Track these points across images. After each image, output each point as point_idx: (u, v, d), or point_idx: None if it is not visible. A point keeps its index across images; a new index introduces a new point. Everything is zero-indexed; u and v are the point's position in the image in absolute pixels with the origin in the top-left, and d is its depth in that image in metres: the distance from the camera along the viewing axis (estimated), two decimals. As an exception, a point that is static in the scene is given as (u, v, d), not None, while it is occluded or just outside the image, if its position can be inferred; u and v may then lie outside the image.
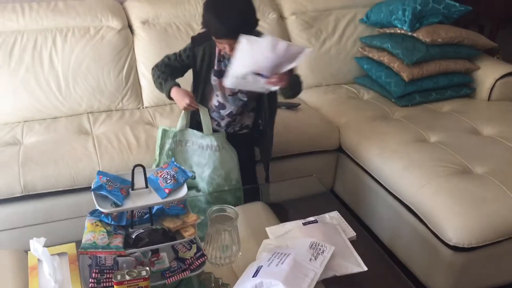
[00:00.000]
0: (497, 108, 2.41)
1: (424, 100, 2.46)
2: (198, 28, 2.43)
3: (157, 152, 1.77)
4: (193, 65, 1.76)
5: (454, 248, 1.69)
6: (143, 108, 2.39)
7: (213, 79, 1.76)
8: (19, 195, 1.82)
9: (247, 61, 1.50)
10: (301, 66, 2.62)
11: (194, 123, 1.81)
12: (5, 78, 2.13)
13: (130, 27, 2.40)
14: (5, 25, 2.18)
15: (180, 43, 2.36)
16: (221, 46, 1.66)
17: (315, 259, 1.34)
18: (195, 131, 1.75)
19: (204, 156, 1.74)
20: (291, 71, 1.59)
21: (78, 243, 1.32)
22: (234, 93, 1.77)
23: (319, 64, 2.68)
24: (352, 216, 1.72)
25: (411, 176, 1.88)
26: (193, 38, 1.78)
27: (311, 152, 2.27)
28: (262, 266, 1.32)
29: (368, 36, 2.70)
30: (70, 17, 2.27)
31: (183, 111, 1.71)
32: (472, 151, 2.00)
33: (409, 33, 2.52)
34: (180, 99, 1.67)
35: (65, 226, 1.63)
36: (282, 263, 1.31)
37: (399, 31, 2.59)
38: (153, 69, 1.79)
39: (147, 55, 2.35)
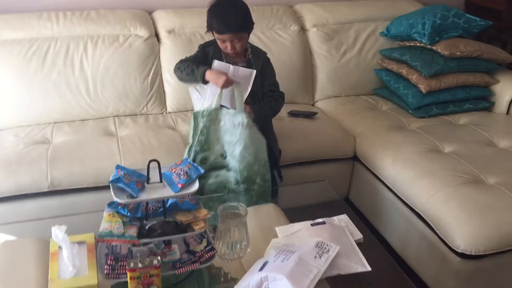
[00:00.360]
0: (515, 122, 2.42)
1: (441, 112, 2.48)
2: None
3: (191, 134, 1.87)
4: (206, 62, 1.91)
5: (462, 256, 1.71)
6: (166, 113, 2.50)
7: None
8: (46, 190, 1.93)
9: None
10: (321, 77, 2.73)
11: None
12: (39, 81, 2.26)
13: (156, 35, 2.52)
14: (40, 32, 2.32)
15: (204, 52, 2.48)
16: (223, 45, 1.88)
17: (320, 257, 1.39)
18: (227, 110, 1.85)
19: (236, 134, 1.82)
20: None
21: (97, 233, 1.41)
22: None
23: (339, 75, 2.74)
24: (365, 223, 1.76)
25: (422, 184, 1.92)
26: (201, 44, 2.03)
27: (327, 160, 2.33)
28: (268, 261, 1.38)
29: (388, 49, 2.75)
30: (101, 25, 2.40)
31: (219, 90, 1.81)
32: (486, 162, 2.02)
33: (428, 46, 2.56)
34: (217, 77, 1.79)
35: (86, 220, 1.72)
36: (287, 260, 1.36)
37: (418, 44, 2.63)
38: (177, 64, 1.93)
39: (172, 63, 2.43)
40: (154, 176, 1.36)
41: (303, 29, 2.76)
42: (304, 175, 2.24)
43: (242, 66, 1.92)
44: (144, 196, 1.32)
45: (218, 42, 1.89)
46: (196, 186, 1.36)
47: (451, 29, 2.60)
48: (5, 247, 1.52)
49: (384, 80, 2.70)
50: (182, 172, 1.38)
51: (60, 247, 1.37)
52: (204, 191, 1.86)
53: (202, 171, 1.41)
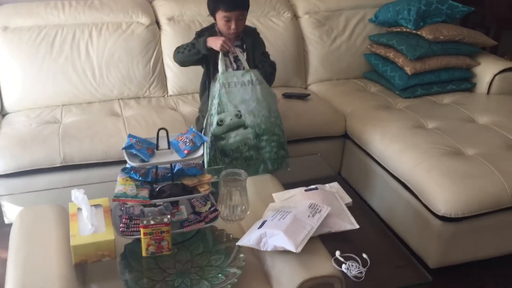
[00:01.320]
0: (495, 101, 2.58)
1: (426, 93, 2.65)
2: (218, 25, 2.69)
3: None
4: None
5: (443, 219, 1.88)
6: (167, 96, 2.64)
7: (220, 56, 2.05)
8: (59, 165, 2.07)
9: None
10: (313, 62, 2.88)
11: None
12: (47, 66, 2.40)
13: (157, 23, 2.66)
14: (48, 20, 2.45)
15: (202, 38, 2.62)
16: (227, 25, 2.02)
17: (313, 216, 1.55)
18: (235, 72, 2.04)
19: (248, 92, 2.01)
20: None
21: (111, 198, 1.56)
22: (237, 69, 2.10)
23: (330, 59, 2.89)
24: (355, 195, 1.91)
25: (407, 156, 2.08)
26: (197, 32, 2.16)
27: (319, 138, 2.48)
28: (266, 220, 1.53)
29: (376, 34, 2.91)
30: (105, 13, 2.54)
31: (220, 55, 2.00)
32: (466, 136, 2.18)
33: (414, 31, 2.71)
34: (215, 41, 1.98)
35: (96, 191, 1.86)
36: (284, 218, 1.52)
37: (404, 30, 2.78)
38: (176, 50, 2.11)
39: (172, 48, 2.54)
40: (163, 143, 1.51)
41: (295, 16, 2.90)
42: (298, 152, 2.39)
43: (237, 46, 2.09)
44: (154, 161, 1.47)
45: (221, 23, 2.03)
46: (200, 151, 1.51)
47: (435, 15, 2.75)
48: (26, 212, 1.66)
49: (372, 64, 2.86)
50: (187, 140, 1.52)
51: (78, 209, 1.52)
52: (226, 151, 2.02)
53: (206, 139, 1.56)
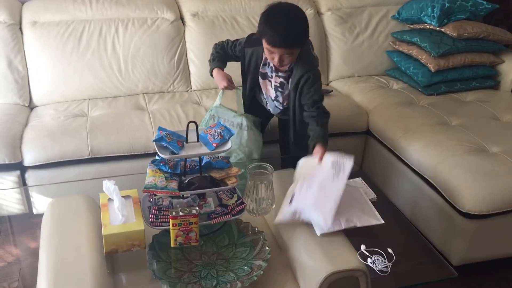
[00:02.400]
0: (519, 99, 2.57)
1: (449, 90, 2.64)
2: (242, 21, 2.72)
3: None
4: (241, 61, 1.99)
5: (467, 216, 1.88)
6: (191, 91, 2.67)
7: (259, 78, 1.99)
8: (87, 157, 2.12)
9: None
10: (335, 58, 2.88)
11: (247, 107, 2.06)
12: (74, 60, 2.45)
13: (182, 19, 2.69)
14: (75, 15, 2.50)
15: (226, 34, 2.64)
16: (270, 56, 1.79)
17: (337, 176, 1.59)
18: (230, 110, 1.99)
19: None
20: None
21: (139, 189, 1.59)
22: (271, 99, 2.03)
23: (352, 56, 2.89)
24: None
25: (431, 153, 2.08)
26: (249, 37, 1.94)
27: (341, 134, 2.49)
28: (295, 193, 1.58)
29: (399, 31, 2.90)
30: (131, 9, 2.58)
31: (220, 89, 1.97)
32: (490, 134, 2.17)
33: (437, 28, 2.70)
34: (219, 80, 1.93)
35: (125, 183, 1.90)
36: (310, 187, 1.57)
37: (428, 27, 2.77)
38: (214, 45, 2.04)
39: (196, 44, 2.64)
40: (192, 137, 1.54)
41: (318, 13, 2.91)
42: (320, 148, 2.40)
43: (282, 77, 1.91)
44: (183, 153, 1.50)
45: (266, 51, 1.80)
46: (229, 145, 1.53)
47: (459, 12, 2.73)
48: (56, 203, 1.70)
49: (395, 61, 2.85)
50: (216, 133, 1.55)
51: (109, 200, 1.55)
52: None
53: (234, 132, 1.58)
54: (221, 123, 1.61)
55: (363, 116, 2.51)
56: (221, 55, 2.00)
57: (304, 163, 1.75)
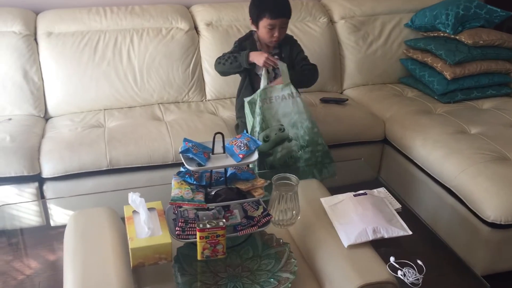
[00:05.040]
0: (536, 106, 2.55)
1: (465, 98, 2.63)
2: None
3: (248, 122, 2.06)
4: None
5: (492, 225, 1.86)
6: (206, 100, 2.66)
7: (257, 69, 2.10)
8: (105, 168, 2.10)
9: None
10: (349, 67, 2.88)
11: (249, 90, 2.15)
12: (90, 71, 2.44)
13: (196, 28, 2.69)
14: (90, 25, 2.50)
15: (240, 43, 2.64)
16: (270, 33, 2.05)
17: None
18: (275, 86, 2.04)
19: (289, 105, 2.02)
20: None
21: (163, 201, 1.58)
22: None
23: (366, 65, 2.89)
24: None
25: (452, 162, 2.06)
26: (237, 40, 2.19)
27: (358, 143, 2.47)
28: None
29: (413, 39, 2.89)
30: (145, 19, 2.58)
31: (263, 71, 2.02)
32: (510, 142, 2.16)
33: (452, 36, 2.69)
34: (258, 56, 2.00)
35: (145, 194, 1.89)
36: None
37: (442, 34, 2.77)
38: (217, 60, 2.14)
39: (210, 53, 2.63)
40: (218, 148, 1.52)
41: (331, 21, 2.91)
42: (336, 157, 2.38)
43: (275, 54, 2.13)
44: (210, 165, 1.48)
45: (264, 30, 2.06)
46: (255, 156, 1.52)
47: (474, 20, 2.73)
48: (79, 215, 1.68)
49: (409, 69, 2.85)
50: (242, 144, 1.53)
51: (134, 212, 1.54)
52: (275, 167, 2.04)
53: (260, 143, 1.56)
54: (247, 133, 1.59)
55: (380, 125, 2.50)
56: (235, 52, 2.12)
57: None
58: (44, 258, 1.86)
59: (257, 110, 1.99)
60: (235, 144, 1.54)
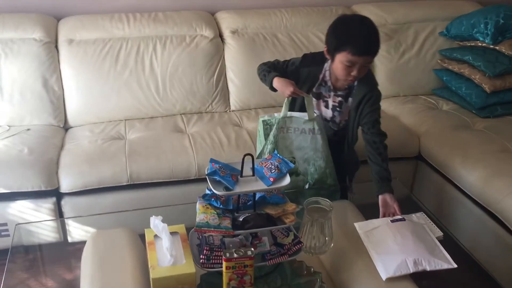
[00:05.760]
0: None
1: (506, 112, 2.48)
2: (283, 39, 2.60)
3: (259, 143, 1.88)
4: (295, 82, 1.82)
5: (541, 255, 1.71)
6: (230, 111, 2.56)
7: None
8: (125, 183, 2.01)
9: None
10: (380, 77, 2.74)
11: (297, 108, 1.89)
12: (111, 79, 2.36)
13: (220, 36, 2.58)
14: (112, 33, 2.41)
15: (267, 52, 2.54)
16: (347, 71, 1.67)
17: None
18: (298, 117, 1.81)
19: (306, 140, 1.82)
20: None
21: (186, 222, 1.48)
22: (326, 120, 1.89)
23: (398, 75, 2.75)
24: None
25: (496, 184, 1.92)
26: (304, 57, 1.85)
27: (390, 159, 2.33)
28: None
29: (448, 49, 2.75)
30: (169, 26, 2.48)
31: (286, 99, 1.78)
32: (558, 163, 2.00)
33: (491, 46, 2.54)
34: (284, 87, 1.74)
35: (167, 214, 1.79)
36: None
37: (480, 44, 2.61)
38: (260, 65, 1.89)
39: (235, 62, 2.53)
40: (246, 170, 1.41)
41: (362, 29, 2.78)
42: (367, 175, 2.25)
43: (340, 96, 1.83)
44: (238, 189, 1.37)
45: (340, 66, 1.68)
46: (287, 180, 1.40)
47: (515, 29, 2.58)
48: (98, 236, 1.59)
49: (444, 80, 2.70)
50: (273, 167, 1.42)
51: (155, 236, 1.44)
52: None
53: (292, 165, 1.44)
54: (278, 155, 1.47)
55: (414, 140, 2.36)
56: (274, 69, 1.86)
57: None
58: (61, 277, 1.79)
59: (271, 138, 1.82)
60: (265, 166, 1.43)
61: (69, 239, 1.94)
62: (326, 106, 1.87)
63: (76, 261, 1.88)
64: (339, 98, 1.83)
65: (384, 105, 2.68)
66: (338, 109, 1.85)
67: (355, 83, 1.78)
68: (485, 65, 2.46)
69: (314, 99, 1.87)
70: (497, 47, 2.52)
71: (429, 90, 2.80)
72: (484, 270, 1.60)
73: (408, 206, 1.92)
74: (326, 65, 1.80)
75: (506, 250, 1.84)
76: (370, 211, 1.78)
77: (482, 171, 1.99)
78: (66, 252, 1.98)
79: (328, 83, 1.81)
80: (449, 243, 1.65)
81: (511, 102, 2.49)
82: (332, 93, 1.83)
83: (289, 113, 1.84)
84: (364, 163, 2.22)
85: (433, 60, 2.79)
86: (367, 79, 1.78)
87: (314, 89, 1.84)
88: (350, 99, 1.82)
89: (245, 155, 1.39)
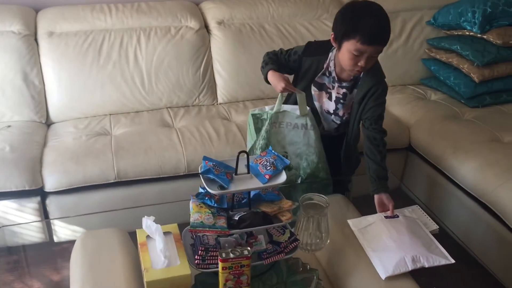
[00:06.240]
0: None
1: (494, 102, 2.47)
2: (270, 29, 2.55)
3: (250, 137, 1.83)
4: (296, 71, 1.80)
5: (534, 245, 1.72)
6: (217, 104, 2.50)
7: (313, 89, 1.79)
8: (113, 181, 1.95)
9: None
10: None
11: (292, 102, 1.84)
12: (95, 73, 2.28)
13: (206, 27, 2.52)
14: (94, 24, 2.33)
15: (254, 43, 2.49)
16: (355, 60, 1.59)
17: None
18: (291, 113, 1.75)
19: (299, 135, 1.76)
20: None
21: (182, 224, 1.43)
22: (329, 113, 1.82)
23: (386, 65, 2.63)
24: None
25: (488, 174, 1.91)
26: (309, 45, 1.77)
27: (380, 150, 2.32)
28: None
29: (436, 38, 2.73)
30: (153, 17, 2.41)
31: (279, 94, 1.72)
32: (548, 152, 2.01)
33: (479, 35, 2.53)
34: (276, 82, 1.67)
35: (152, 211, 1.74)
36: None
37: (467, 33, 2.60)
38: (266, 53, 1.80)
39: (222, 54, 2.47)
40: (241, 167, 1.37)
41: (349, 19, 2.74)
42: (361, 168, 2.23)
43: (345, 87, 1.75)
44: (234, 187, 1.33)
45: (347, 55, 1.59)
46: (283, 177, 1.37)
47: (502, 18, 2.56)
48: (86, 238, 1.54)
49: (432, 70, 2.69)
50: (268, 163, 1.38)
51: (147, 237, 1.39)
52: None
53: (288, 162, 1.41)
54: (272, 151, 1.43)
55: (404, 131, 2.34)
56: (274, 60, 1.77)
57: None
58: (47, 277, 1.73)
59: (263, 133, 1.76)
60: (260, 163, 1.39)
61: (56, 239, 1.88)
62: (329, 98, 1.79)
63: (63, 261, 1.83)
64: (344, 90, 1.75)
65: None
66: (341, 101, 1.77)
67: (361, 74, 1.70)
68: (473, 54, 2.45)
69: (316, 90, 1.79)
70: (484, 36, 2.51)
71: (417, 80, 2.79)
72: (479, 262, 1.60)
73: (400, 198, 1.91)
74: (331, 55, 1.72)
75: (499, 240, 1.84)
76: (365, 205, 1.76)
77: (473, 162, 1.98)
78: (52, 253, 1.92)
79: (333, 73, 1.73)
80: (443, 236, 1.64)
81: (499, 91, 2.49)
82: (336, 84, 1.74)
83: (282, 107, 1.79)
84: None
85: (421, 50, 2.77)
86: (375, 71, 1.70)
87: (316, 78, 1.76)
88: (355, 91, 1.74)
89: (240, 153, 1.35)
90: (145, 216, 1.36)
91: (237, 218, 1.35)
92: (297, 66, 1.77)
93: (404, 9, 2.79)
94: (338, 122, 1.82)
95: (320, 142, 1.79)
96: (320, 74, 1.75)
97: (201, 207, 1.38)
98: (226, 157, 1.96)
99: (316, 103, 1.81)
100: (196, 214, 1.35)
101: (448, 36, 2.72)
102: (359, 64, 1.59)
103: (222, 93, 2.50)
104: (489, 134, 2.16)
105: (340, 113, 1.79)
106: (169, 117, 2.32)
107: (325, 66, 1.73)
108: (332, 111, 1.81)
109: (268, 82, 1.74)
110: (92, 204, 1.95)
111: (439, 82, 2.65)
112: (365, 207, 1.72)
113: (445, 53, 2.64)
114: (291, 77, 1.81)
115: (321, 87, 1.78)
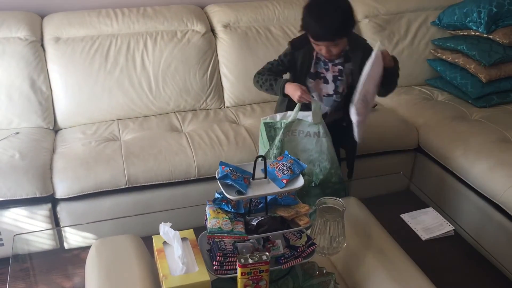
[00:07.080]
0: None
1: (502, 101, 2.47)
2: (276, 32, 2.55)
3: (262, 144, 1.84)
4: (293, 69, 1.85)
5: (548, 246, 1.71)
6: (224, 107, 2.50)
7: (309, 81, 1.85)
8: (123, 187, 1.94)
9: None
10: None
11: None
12: (102, 78, 2.27)
13: (212, 30, 2.51)
14: (101, 29, 2.32)
15: (260, 45, 2.48)
16: (318, 48, 1.76)
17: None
18: (303, 121, 1.79)
19: (311, 143, 1.81)
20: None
21: (196, 229, 1.43)
22: (329, 95, 1.87)
23: (392, 66, 2.72)
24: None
25: (499, 175, 1.91)
26: (292, 42, 1.86)
27: (389, 152, 2.32)
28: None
29: (441, 38, 2.73)
30: (159, 21, 2.40)
31: (297, 104, 1.76)
32: (559, 151, 2.01)
33: (485, 35, 2.53)
34: (292, 91, 1.73)
35: (164, 217, 1.74)
36: None
37: (473, 33, 2.60)
38: (255, 76, 1.86)
39: (229, 57, 2.46)
40: (258, 172, 1.36)
41: (355, 21, 2.74)
42: (365, 168, 2.23)
43: (339, 64, 1.83)
44: (251, 192, 1.32)
45: (313, 44, 1.76)
46: (301, 181, 1.36)
47: (507, 17, 2.56)
48: (101, 245, 1.53)
49: (438, 70, 2.68)
50: (285, 168, 1.37)
51: (164, 243, 1.38)
52: None
53: (305, 166, 1.40)
54: (289, 155, 1.43)
55: (413, 132, 2.34)
56: (274, 75, 1.82)
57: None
58: (60, 285, 1.72)
59: (277, 142, 1.79)
60: (277, 167, 1.39)
61: (66, 246, 1.87)
62: (326, 82, 1.86)
63: (74, 268, 1.82)
64: (338, 67, 1.84)
65: (380, 97, 2.66)
66: (339, 78, 1.85)
67: (347, 48, 1.80)
68: (480, 54, 2.45)
69: (311, 81, 1.86)
70: (491, 36, 2.51)
71: (422, 80, 2.79)
72: (491, 262, 1.59)
73: (411, 200, 1.91)
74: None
75: (511, 240, 1.84)
76: (372, 205, 1.75)
77: (484, 162, 1.98)
78: (64, 260, 1.91)
79: (322, 58, 1.83)
80: (457, 236, 1.64)
81: (507, 91, 2.49)
82: (330, 65, 1.83)
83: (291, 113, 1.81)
84: (360, 158, 2.21)
85: (426, 50, 2.77)
86: (355, 42, 1.82)
87: (311, 70, 1.84)
88: (347, 65, 1.84)
89: (257, 158, 1.34)
90: (162, 223, 1.35)
91: (255, 223, 1.34)
92: (293, 63, 1.85)
93: (409, 10, 2.79)
94: (339, 100, 1.89)
95: (332, 149, 1.82)
96: (313, 64, 1.84)
97: (218, 212, 1.37)
98: (236, 160, 1.98)
99: (314, 94, 1.87)
100: (213, 219, 1.34)
101: (454, 36, 2.72)
102: (322, 52, 1.75)
103: (229, 97, 2.50)
104: (498, 134, 2.16)
105: (340, 89, 1.87)
106: (177, 121, 2.31)
107: (314, 54, 1.83)
108: (332, 91, 1.87)
109: (284, 96, 1.78)
110: (103, 210, 1.94)
111: (445, 83, 2.65)
112: (371, 207, 1.72)
113: (451, 53, 2.64)
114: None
115: (316, 76, 1.86)
